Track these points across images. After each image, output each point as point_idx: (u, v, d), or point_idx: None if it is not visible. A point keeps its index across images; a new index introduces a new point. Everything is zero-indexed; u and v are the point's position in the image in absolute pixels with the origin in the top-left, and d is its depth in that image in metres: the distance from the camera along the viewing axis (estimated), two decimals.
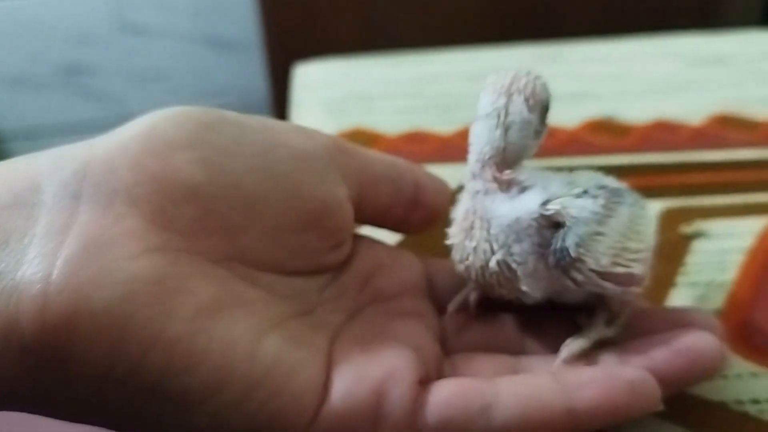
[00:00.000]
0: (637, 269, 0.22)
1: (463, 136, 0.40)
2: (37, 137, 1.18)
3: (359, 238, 0.26)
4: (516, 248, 0.22)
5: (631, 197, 0.24)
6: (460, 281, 0.25)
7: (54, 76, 1.16)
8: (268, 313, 0.20)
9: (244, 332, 0.19)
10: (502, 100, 0.22)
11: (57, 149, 0.21)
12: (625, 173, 0.37)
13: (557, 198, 0.22)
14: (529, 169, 0.23)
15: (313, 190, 0.22)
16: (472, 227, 0.23)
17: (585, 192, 0.22)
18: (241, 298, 0.20)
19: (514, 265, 0.22)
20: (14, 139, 1.17)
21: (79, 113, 1.19)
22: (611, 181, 0.24)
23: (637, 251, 0.22)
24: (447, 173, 0.37)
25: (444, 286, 0.25)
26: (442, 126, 0.42)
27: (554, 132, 0.41)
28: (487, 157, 0.22)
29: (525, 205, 0.22)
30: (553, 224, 0.22)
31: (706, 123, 0.41)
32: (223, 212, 0.20)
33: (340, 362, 0.21)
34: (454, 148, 0.40)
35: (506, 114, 0.22)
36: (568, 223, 0.21)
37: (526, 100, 0.22)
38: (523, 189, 0.22)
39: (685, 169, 0.37)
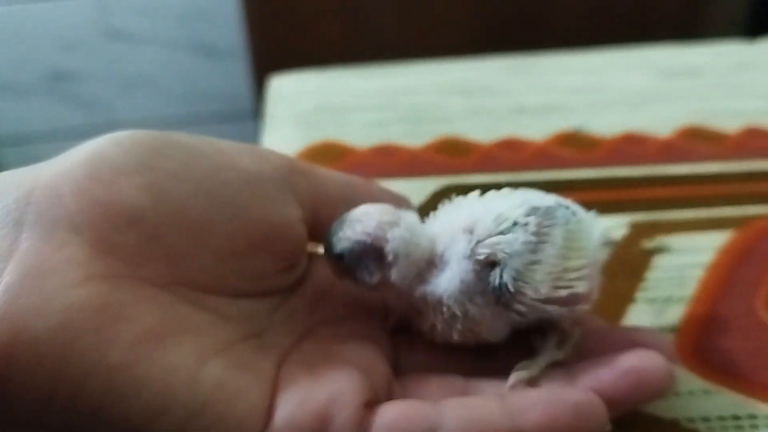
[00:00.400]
0: (581, 287, 0.22)
1: (432, 149, 0.41)
2: (23, 144, 1.18)
3: (315, 258, 0.26)
4: (472, 309, 0.22)
5: (565, 214, 0.23)
6: None
7: (40, 83, 1.16)
8: (214, 338, 0.20)
9: (187, 358, 0.19)
10: (394, 243, 0.22)
11: (5, 174, 0.21)
12: (591, 187, 0.38)
13: (486, 239, 0.22)
14: (437, 236, 0.23)
15: (262, 212, 0.22)
16: (421, 314, 0.23)
17: (514, 224, 0.22)
18: (185, 323, 0.20)
19: (476, 329, 0.23)
20: (0, 145, 1.17)
21: (65, 119, 1.18)
22: (541, 199, 0.23)
23: (578, 269, 0.23)
24: (416, 187, 0.37)
25: None
26: (414, 138, 0.42)
27: (522, 145, 0.41)
28: (406, 294, 0.23)
29: (459, 266, 0.22)
30: (489, 264, 0.22)
31: (675, 135, 0.41)
32: (168, 237, 0.21)
33: (286, 386, 0.21)
34: (423, 162, 0.40)
35: (401, 246, 0.22)
36: (502, 261, 0.22)
37: (396, 223, 0.22)
38: (447, 259, 0.22)
39: (651, 183, 0.37)
